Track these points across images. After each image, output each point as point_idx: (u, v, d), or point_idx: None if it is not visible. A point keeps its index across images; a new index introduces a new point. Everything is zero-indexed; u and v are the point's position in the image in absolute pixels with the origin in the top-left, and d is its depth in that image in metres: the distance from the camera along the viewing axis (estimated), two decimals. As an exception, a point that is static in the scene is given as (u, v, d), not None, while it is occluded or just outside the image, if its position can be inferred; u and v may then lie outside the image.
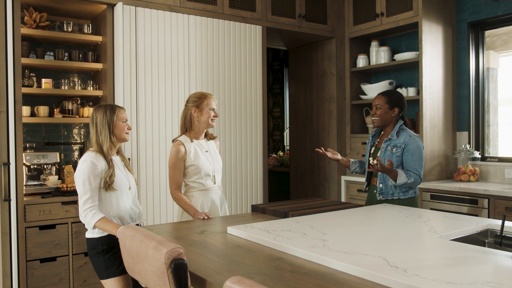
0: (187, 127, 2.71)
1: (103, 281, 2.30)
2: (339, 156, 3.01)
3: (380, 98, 2.86)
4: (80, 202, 2.24)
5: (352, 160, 3.08)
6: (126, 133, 2.40)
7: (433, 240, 1.85)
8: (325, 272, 1.48)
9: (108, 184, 2.27)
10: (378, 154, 2.87)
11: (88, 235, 2.32)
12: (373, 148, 2.95)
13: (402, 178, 2.67)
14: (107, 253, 2.28)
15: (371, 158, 2.93)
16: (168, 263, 1.39)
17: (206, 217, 2.44)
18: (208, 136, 2.80)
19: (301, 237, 1.85)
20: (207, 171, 2.67)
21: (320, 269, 1.51)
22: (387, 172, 2.66)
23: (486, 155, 4.07)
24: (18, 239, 3.07)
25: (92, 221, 2.19)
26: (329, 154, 2.98)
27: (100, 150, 2.32)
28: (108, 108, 2.37)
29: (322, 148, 2.98)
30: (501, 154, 4.05)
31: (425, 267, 1.45)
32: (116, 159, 2.40)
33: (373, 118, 2.90)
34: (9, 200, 3.02)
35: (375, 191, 2.88)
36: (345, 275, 1.44)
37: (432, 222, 2.19)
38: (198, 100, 2.68)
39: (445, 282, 1.30)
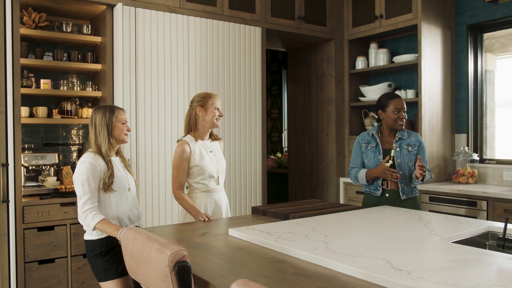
0: (192, 127, 2.70)
1: (102, 284, 2.29)
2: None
3: (403, 102, 2.91)
4: (79, 204, 2.22)
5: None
6: (125, 134, 2.39)
7: (435, 242, 1.85)
8: (329, 274, 1.47)
9: (107, 185, 2.26)
10: (392, 154, 2.85)
11: (87, 237, 2.31)
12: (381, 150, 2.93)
13: (427, 176, 2.81)
14: (105, 255, 2.27)
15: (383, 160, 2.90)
16: (172, 265, 1.38)
17: (207, 219, 2.44)
18: (213, 137, 2.79)
19: (303, 240, 1.85)
20: (211, 172, 2.66)
21: (323, 272, 1.50)
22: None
23: (485, 157, 4.08)
24: (16, 241, 3.05)
25: (92, 222, 2.18)
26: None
27: (99, 151, 2.31)
28: (107, 109, 2.35)
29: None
30: (498, 156, 4.06)
31: (429, 269, 1.45)
32: (115, 160, 2.39)
33: (401, 122, 2.88)
34: (7, 201, 3.00)
35: (387, 195, 2.89)
36: (348, 277, 1.44)
37: (433, 224, 2.19)
38: (203, 100, 2.67)
39: (449, 285, 1.30)
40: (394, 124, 2.88)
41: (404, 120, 2.88)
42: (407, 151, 2.85)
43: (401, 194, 2.86)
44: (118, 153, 2.46)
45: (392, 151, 2.88)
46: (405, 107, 2.90)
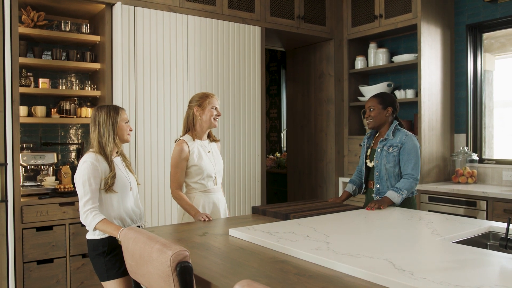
0: (190, 126, 2.69)
1: (104, 283, 2.28)
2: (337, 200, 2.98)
3: (373, 99, 2.89)
4: (80, 204, 2.21)
5: (348, 190, 3.04)
6: (128, 134, 2.38)
7: (436, 242, 1.85)
8: (331, 275, 1.47)
9: (108, 185, 2.25)
10: (374, 155, 2.87)
11: (89, 236, 2.29)
12: (369, 150, 2.96)
13: (395, 198, 2.67)
14: (108, 254, 2.26)
15: (368, 160, 2.93)
16: (174, 266, 1.37)
17: (206, 219, 2.43)
18: (211, 138, 2.79)
19: (305, 240, 1.84)
20: (209, 172, 2.65)
21: (326, 272, 1.50)
22: (382, 205, 2.63)
23: (484, 157, 4.08)
24: (14, 241, 3.03)
25: (92, 222, 2.17)
26: None
27: (102, 151, 2.30)
28: (111, 108, 2.34)
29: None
30: (497, 156, 4.06)
31: (432, 270, 1.45)
32: (116, 160, 2.38)
33: (367, 120, 2.90)
34: (6, 201, 2.98)
35: (372, 195, 2.89)
36: (351, 278, 1.43)
37: (434, 224, 2.18)
38: (201, 99, 2.67)
39: (453, 285, 1.30)
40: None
41: (369, 118, 2.87)
42: (387, 152, 2.79)
43: (374, 195, 2.84)
44: (119, 152, 2.44)
45: (375, 152, 2.87)
46: (373, 103, 2.85)
